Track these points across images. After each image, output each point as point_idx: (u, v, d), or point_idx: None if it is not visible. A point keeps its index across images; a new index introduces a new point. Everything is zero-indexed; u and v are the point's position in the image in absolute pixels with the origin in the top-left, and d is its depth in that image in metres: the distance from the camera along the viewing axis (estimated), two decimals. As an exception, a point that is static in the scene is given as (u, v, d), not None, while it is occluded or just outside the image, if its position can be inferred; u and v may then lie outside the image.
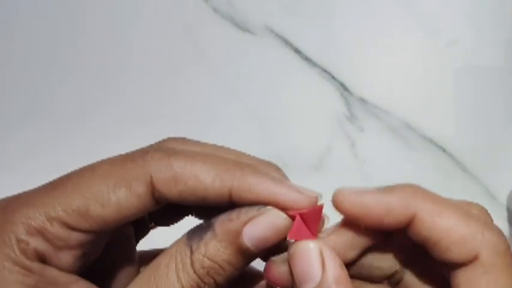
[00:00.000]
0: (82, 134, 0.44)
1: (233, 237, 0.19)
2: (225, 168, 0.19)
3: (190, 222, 0.22)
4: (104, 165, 0.20)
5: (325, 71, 0.45)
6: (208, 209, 0.20)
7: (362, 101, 0.44)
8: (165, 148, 0.20)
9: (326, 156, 0.43)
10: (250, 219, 0.19)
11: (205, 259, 0.19)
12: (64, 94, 0.45)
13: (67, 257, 0.19)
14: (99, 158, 0.20)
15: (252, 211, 0.19)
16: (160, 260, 0.19)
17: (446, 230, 0.18)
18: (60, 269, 0.19)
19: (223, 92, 0.45)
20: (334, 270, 0.18)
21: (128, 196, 0.19)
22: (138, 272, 0.23)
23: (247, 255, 0.19)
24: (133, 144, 0.22)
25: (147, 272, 0.19)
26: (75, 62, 0.45)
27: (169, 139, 0.22)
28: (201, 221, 0.20)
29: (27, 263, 0.18)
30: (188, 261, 0.19)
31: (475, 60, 0.44)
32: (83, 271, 0.21)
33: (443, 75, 0.44)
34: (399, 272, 0.21)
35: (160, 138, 0.22)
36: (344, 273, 0.18)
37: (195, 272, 0.19)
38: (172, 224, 0.25)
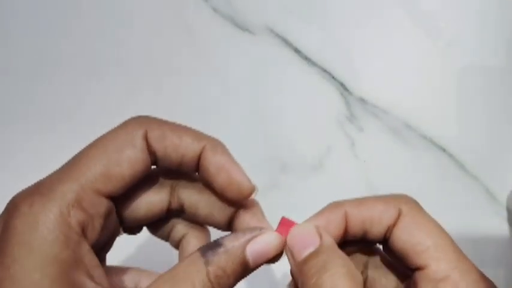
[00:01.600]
0: (82, 135, 0.44)
1: (240, 251, 0.22)
2: (199, 134, 0.24)
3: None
4: (107, 135, 0.23)
5: (325, 71, 0.45)
6: (158, 222, 0.26)
7: (362, 101, 0.44)
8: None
9: (326, 156, 0.43)
10: (253, 238, 0.23)
11: (219, 270, 0.22)
12: (61, 95, 0.45)
13: (97, 228, 0.22)
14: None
15: (255, 232, 0.23)
16: (178, 270, 0.22)
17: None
18: (90, 243, 0.21)
19: (223, 91, 0.45)
20: (328, 238, 0.23)
21: (135, 152, 0.23)
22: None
23: (246, 269, 0.23)
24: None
25: (163, 278, 0.21)
26: (74, 63, 0.45)
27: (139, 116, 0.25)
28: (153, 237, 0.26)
29: (69, 235, 0.20)
30: (204, 271, 0.22)
31: (475, 60, 0.44)
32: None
33: (444, 75, 0.44)
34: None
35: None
36: (334, 242, 0.23)
37: (209, 280, 0.21)
38: (138, 232, 0.27)
